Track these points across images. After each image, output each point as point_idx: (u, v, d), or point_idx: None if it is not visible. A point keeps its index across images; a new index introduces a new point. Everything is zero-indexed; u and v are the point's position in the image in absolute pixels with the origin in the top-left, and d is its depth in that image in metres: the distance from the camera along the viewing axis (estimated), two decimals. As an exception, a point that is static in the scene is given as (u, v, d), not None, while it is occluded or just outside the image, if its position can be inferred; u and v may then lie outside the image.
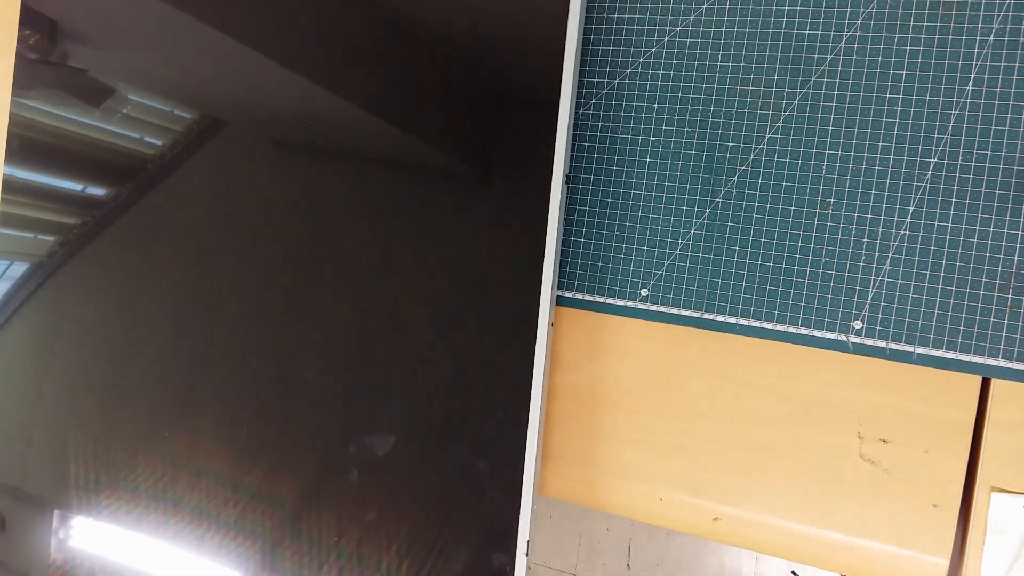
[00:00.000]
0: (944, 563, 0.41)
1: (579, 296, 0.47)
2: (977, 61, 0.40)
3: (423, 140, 0.47)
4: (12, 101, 0.57)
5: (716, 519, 0.45)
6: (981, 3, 0.40)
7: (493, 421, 0.45)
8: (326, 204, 0.49)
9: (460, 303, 0.46)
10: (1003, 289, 0.40)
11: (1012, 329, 0.40)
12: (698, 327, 0.45)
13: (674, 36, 0.46)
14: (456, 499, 0.45)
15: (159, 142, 0.52)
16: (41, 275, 0.55)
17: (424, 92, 0.47)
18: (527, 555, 0.43)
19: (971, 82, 0.40)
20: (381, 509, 0.47)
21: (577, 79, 0.47)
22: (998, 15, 0.40)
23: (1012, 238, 0.40)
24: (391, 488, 0.47)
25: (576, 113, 0.47)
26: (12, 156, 0.57)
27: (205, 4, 0.52)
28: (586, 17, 0.47)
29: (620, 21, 0.47)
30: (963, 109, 0.40)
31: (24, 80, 0.56)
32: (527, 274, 0.45)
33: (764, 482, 0.44)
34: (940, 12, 0.41)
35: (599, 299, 0.47)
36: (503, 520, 0.44)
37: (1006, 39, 0.40)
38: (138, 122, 0.53)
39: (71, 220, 0.55)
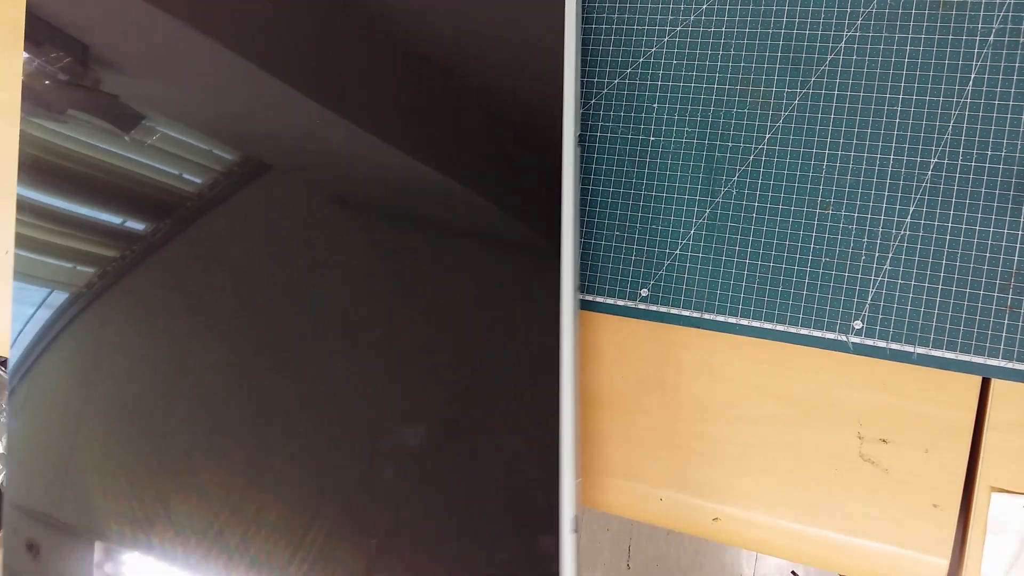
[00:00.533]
0: (944, 563, 0.41)
1: (579, 296, 0.47)
2: (977, 61, 0.40)
3: (435, 148, 0.47)
4: (42, 126, 0.56)
5: (716, 519, 0.45)
6: (981, 3, 0.40)
7: (524, 403, 0.43)
8: (345, 217, 0.49)
9: (481, 292, 0.45)
10: (1003, 289, 0.40)
11: (1012, 329, 0.40)
12: (698, 327, 0.45)
13: (674, 36, 0.46)
14: (494, 486, 0.44)
15: (198, 179, 0.52)
16: (79, 305, 0.55)
17: (438, 97, 0.47)
18: (574, 532, 0.41)
19: (971, 82, 0.40)
20: (416, 505, 0.45)
21: (580, 69, 0.47)
22: (998, 15, 0.40)
23: (1012, 238, 0.40)
24: (424, 482, 0.45)
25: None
26: (43, 183, 0.56)
27: (227, 28, 0.51)
28: (585, 17, 0.47)
29: (620, 21, 0.47)
30: (963, 109, 0.40)
31: (57, 104, 0.56)
32: (548, 263, 0.43)
33: (764, 482, 0.44)
34: (940, 12, 0.41)
35: (599, 299, 0.47)
36: (544, 500, 0.42)
37: (1006, 39, 0.40)
38: (176, 158, 0.53)
39: (110, 252, 0.55)
